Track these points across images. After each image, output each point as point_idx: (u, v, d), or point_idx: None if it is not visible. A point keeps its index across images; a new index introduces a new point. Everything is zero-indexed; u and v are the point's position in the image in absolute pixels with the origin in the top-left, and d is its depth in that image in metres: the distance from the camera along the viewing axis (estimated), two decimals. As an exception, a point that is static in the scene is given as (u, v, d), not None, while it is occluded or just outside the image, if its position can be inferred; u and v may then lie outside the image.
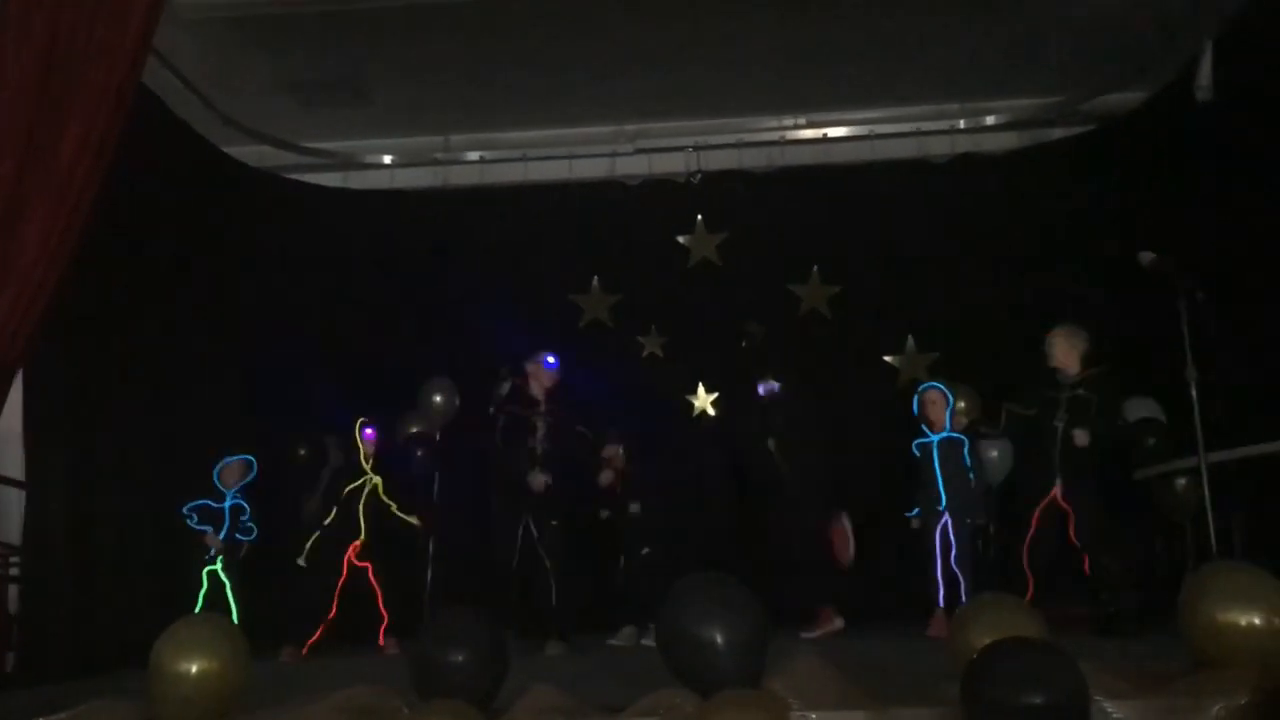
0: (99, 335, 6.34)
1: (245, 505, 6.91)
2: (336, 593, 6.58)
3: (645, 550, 6.88)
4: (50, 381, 5.91)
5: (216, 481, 6.84)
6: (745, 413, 7.15)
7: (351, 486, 6.75)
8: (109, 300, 6.36)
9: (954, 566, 6.40)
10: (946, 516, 6.50)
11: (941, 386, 6.87)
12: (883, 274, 8.49)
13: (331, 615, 6.57)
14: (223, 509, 6.82)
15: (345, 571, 6.61)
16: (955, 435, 6.70)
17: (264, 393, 7.77)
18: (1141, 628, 5.54)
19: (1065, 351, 6.20)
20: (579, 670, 4.95)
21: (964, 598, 6.21)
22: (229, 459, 6.91)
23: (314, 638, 6.50)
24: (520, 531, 6.34)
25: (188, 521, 6.72)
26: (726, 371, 8.40)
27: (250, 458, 6.99)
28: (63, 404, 6.05)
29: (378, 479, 6.82)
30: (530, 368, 6.65)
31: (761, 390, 6.93)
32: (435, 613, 5.54)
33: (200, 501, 6.78)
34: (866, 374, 8.44)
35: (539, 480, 6.42)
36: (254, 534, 6.99)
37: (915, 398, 6.85)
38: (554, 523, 6.40)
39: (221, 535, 6.76)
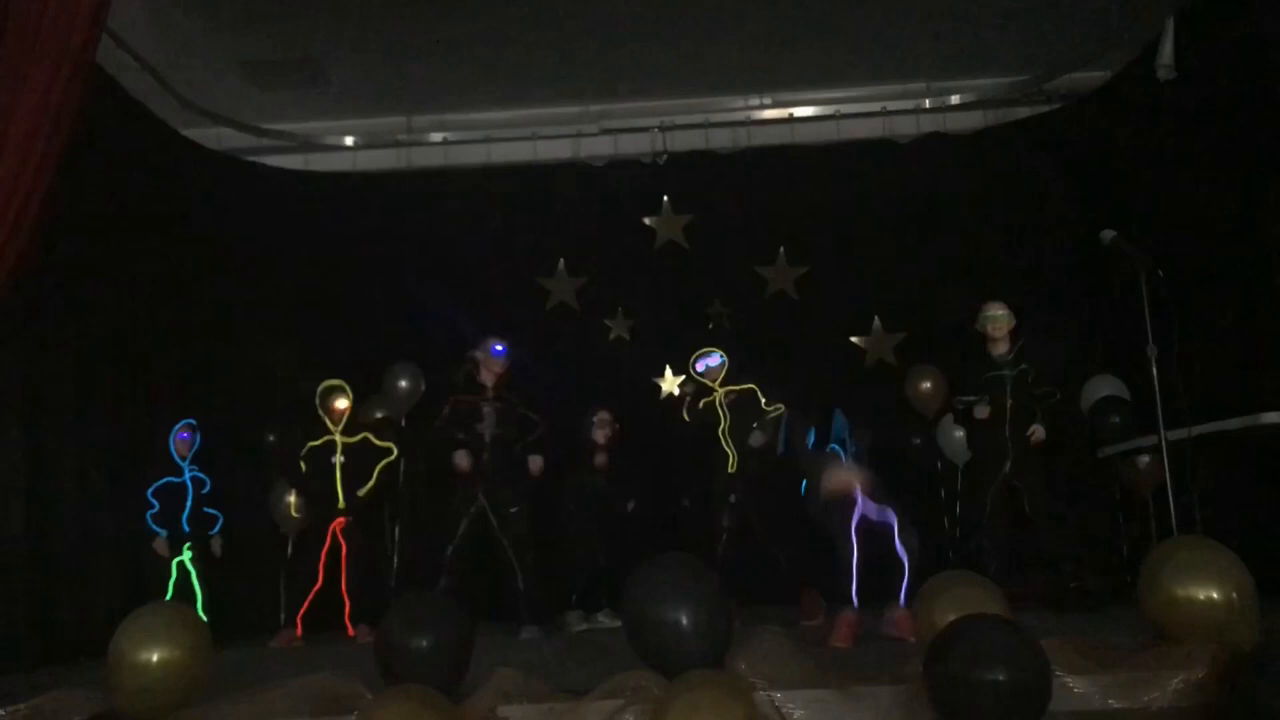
0: (55, 320, 6.24)
1: (205, 479, 6.85)
2: (321, 562, 6.57)
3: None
4: (5, 367, 5.83)
5: (173, 453, 6.76)
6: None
7: (314, 445, 6.74)
8: (65, 284, 6.26)
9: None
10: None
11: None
12: (849, 254, 8.50)
13: (319, 585, 6.56)
14: (185, 483, 6.75)
15: (329, 541, 6.60)
16: None
17: (226, 379, 7.69)
18: (1101, 603, 5.60)
19: (1004, 330, 6.29)
20: (545, 654, 4.95)
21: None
22: (179, 424, 6.84)
23: (303, 608, 6.52)
24: (466, 520, 6.37)
25: (148, 518, 6.61)
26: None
27: (193, 421, 6.91)
28: (18, 390, 5.95)
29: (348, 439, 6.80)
30: (479, 355, 6.67)
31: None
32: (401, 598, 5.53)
33: (163, 480, 6.69)
34: (833, 355, 8.46)
35: (537, 463, 6.56)
36: (219, 523, 6.91)
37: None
38: (513, 510, 6.43)
39: (185, 513, 6.68)
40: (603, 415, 7.15)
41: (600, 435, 7.08)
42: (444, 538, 6.43)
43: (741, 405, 6.72)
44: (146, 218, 7.15)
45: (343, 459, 6.74)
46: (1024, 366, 6.19)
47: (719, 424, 6.70)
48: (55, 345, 6.26)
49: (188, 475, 6.76)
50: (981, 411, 6.36)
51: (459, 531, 6.37)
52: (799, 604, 6.28)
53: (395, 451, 6.92)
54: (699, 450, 6.91)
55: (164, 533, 6.61)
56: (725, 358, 6.86)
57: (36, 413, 6.07)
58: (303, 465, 6.78)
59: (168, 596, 6.37)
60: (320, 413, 6.78)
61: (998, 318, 6.33)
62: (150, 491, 6.65)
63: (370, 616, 6.50)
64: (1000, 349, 6.30)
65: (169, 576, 6.57)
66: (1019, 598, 5.50)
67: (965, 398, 6.42)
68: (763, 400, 6.71)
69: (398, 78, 8.38)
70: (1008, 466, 6.13)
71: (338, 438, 6.77)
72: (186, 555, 6.67)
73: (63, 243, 5.87)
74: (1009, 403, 6.16)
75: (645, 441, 7.58)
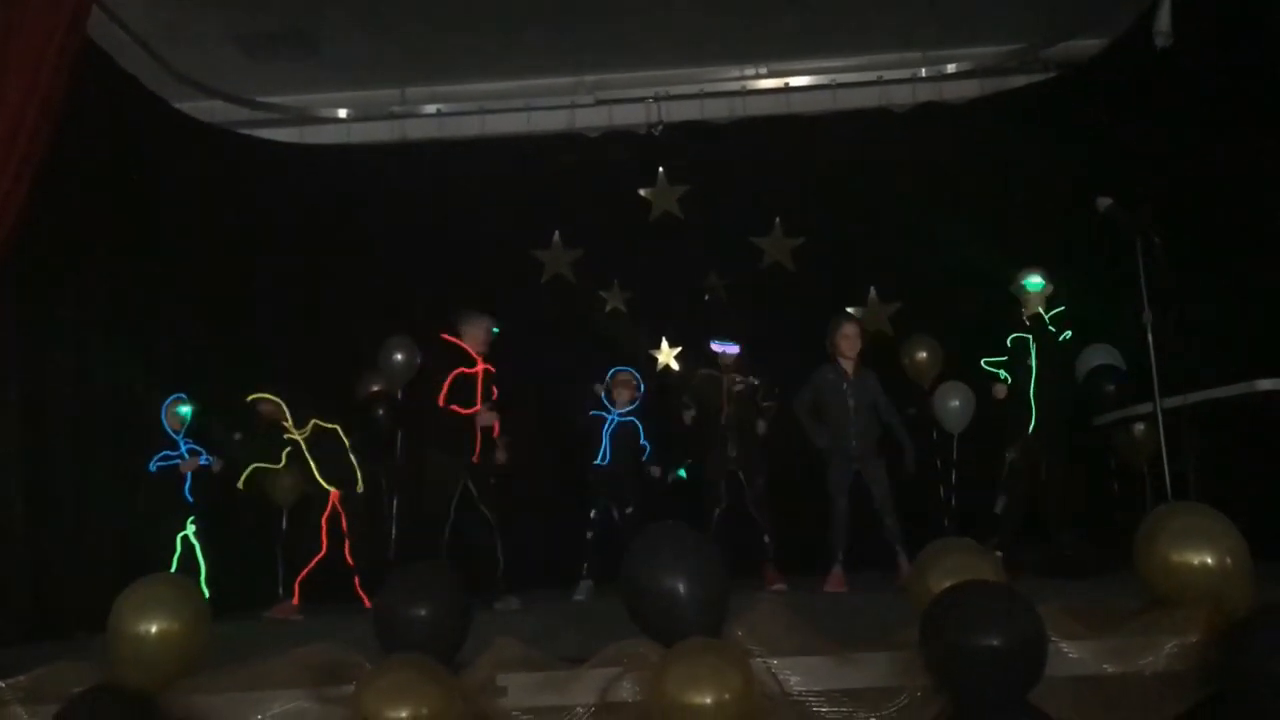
0: (49, 296, 6.22)
1: (201, 449, 6.85)
2: (323, 530, 6.51)
3: (629, 509, 6.98)
4: (1, 341, 5.83)
5: (166, 427, 6.76)
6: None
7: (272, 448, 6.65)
8: (59, 260, 6.24)
9: (886, 521, 6.31)
10: (856, 463, 6.36)
11: (858, 322, 6.71)
12: (845, 225, 8.49)
13: (323, 553, 6.50)
14: (181, 457, 6.75)
15: (329, 510, 6.54)
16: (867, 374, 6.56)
17: (220, 352, 7.68)
18: (1099, 569, 5.63)
19: (1038, 297, 6.31)
20: (542, 623, 4.96)
21: (904, 558, 6.08)
22: (170, 398, 6.83)
23: (302, 575, 6.46)
24: (456, 495, 6.38)
25: (167, 461, 6.66)
26: (690, 325, 8.43)
27: (183, 395, 6.90)
28: (13, 367, 5.95)
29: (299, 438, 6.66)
30: (467, 329, 6.64)
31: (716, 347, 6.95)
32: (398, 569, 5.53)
33: (162, 454, 6.71)
34: (829, 325, 8.44)
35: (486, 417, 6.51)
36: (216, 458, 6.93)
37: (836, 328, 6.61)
38: (492, 481, 6.49)
39: (185, 489, 6.71)
40: (623, 375, 7.25)
41: (624, 394, 7.19)
42: (437, 517, 6.43)
43: (744, 398, 6.86)
44: (140, 191, 7.13)
45: (308, 450, 6.63)
46: (1052, 330, 6.18)
47: (720, 413, 6.81)
48: (51, 319, 6.26)
49: (184, 448, 6.76)
50: (999, 391, 6.42)
51: (451, 508, 6.38)
52: (763, 577, 6.55)
53: (344, 438, 6.77)
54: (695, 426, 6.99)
55: (187, 455, 6.71)
56: (740, 350, 6.95)
57: (33, 386, 6.08)
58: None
59: (172, 569, 6.39)
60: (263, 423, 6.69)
61: (1029, 288, 6.36)
62: (152, 465, 6.68)
63: (370, 588, 6.50)
64: (1037, 315, 6.33)
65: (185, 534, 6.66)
66: (1017, 563, 5.58)
67: (993, 359, 6.46)
68: (760, 396, 6.89)
69: (391, 49, 8.33)
70: (1031, 429, 6.15)
71: (294, 434, 6.61)
72: (190, 529, 6.69)
73: (55, 216, 5.84)
74: (1033, 366, 6.17)
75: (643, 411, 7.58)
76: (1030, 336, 6.27)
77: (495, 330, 6.71)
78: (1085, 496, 7.10)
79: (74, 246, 6.40)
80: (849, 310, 6.81)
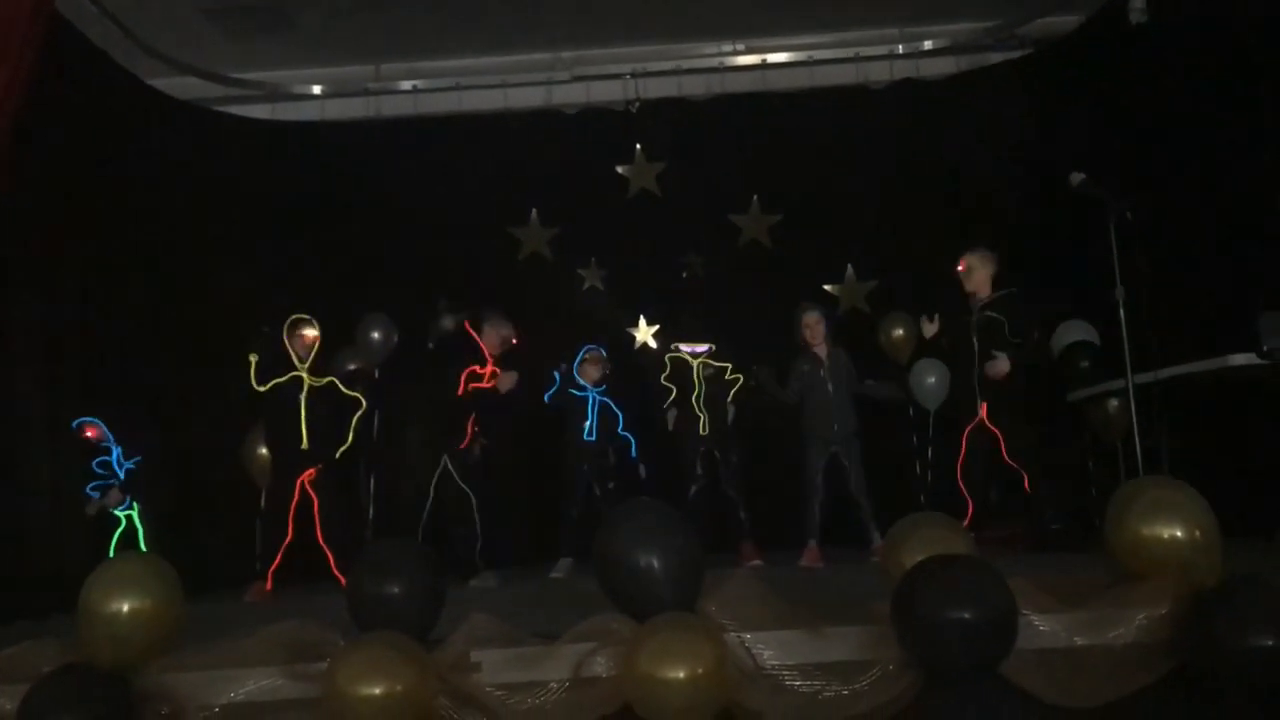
0: (17, 278, 6.14)
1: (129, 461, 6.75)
2: (290, 515, 6.37)
3: (611, 485, 6.97)
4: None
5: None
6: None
7: (279, 382, 6.38)
8: (26, 243, 6.16)
9: (861, 502, 6.48)
10: (835, 445, 6.52)
11: (818, 309, 6.86)
12: (822, 202, 8.47)
13: (289, 538, 6.37)
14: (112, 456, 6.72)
15: (297, 494, 6.41)
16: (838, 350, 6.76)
17: (192, 330, 7.61)
18: (1082, 543, 5.68)
19: (979, 276, 6.28)
20: (516, 599, 4.97)
21: (877, 535, 6.26)
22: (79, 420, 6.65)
23: (275, 563, 6.36)
24: (436, 476, 6.40)
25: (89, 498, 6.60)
26: (668, 303, 8.42)
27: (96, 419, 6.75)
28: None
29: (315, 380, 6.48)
30: (487, 328, 6.66)
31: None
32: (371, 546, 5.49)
33: (101, 483, 6.67)
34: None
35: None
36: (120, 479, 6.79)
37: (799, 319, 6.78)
38: (474, 460, 6.50)
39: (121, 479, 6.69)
40: (591, 354, 7.18)
41: (592, 372, 7.12)
42: (417, 497, 6.46)
43: (715, 376, 6.92)
44: (110, 168, 7.04)
45: (308, 401, 6.40)
46: (991, 314, 6.18)
47: (693, 391, 6.85)
48: (19, 299, 6.18)
49: (116, 453, 6.71)
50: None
51: (431, 488, 6.39)
52: (739, 552, 6.58)
53: (364, 403, 6.66)
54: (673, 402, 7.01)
55: (96, 495, 6.61)
56: (713, 349, 6.99)
57: (3, 367, 6.01)
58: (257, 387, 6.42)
59: (110, 552, 6.33)
60: (287, 348, 6.42)
61: (967, 269, 6.33)
62: (89, 489, 6.63)
63: (346, 569, 6.45)
64: (981, 294, 6.29)
65: (116, 527, 6.59)
66: (998, 540, 5.61)
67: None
68: (727, 373, 6.93)
69: (366, 25, 8.24)
70: (982, 410, 6.16)
71: (305, 376, 6.41)
72: (135, 510, 6.64)
73: (21, 200, 5.76)
74: (976, 347, 6.16)
75: (619, 390, 7.57)
76: (972, 318, 6.25)
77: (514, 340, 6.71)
78: (1067, 472, 7.14)
79: (38, 224, 6.31)
80: (807, 301, 6.88)
